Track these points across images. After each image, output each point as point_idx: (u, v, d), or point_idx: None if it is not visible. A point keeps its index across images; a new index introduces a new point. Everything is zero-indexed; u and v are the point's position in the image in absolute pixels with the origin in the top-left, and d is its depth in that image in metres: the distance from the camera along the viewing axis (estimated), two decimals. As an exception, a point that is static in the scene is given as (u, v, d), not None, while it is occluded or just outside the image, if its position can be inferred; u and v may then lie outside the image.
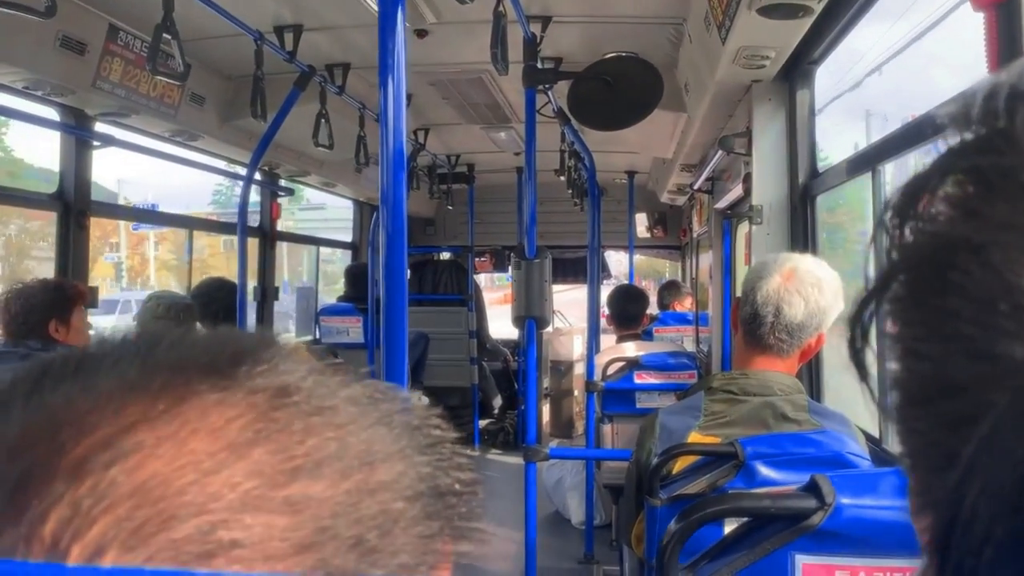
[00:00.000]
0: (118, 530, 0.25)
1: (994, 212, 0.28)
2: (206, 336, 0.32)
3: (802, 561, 1.20)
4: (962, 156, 0.30)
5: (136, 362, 0.30)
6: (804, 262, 1.66)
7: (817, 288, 1.61)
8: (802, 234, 2.73)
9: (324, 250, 6.28)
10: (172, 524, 0.25)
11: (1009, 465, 0.24)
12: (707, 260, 5.19)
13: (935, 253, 0.30)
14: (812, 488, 1.19)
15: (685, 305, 5.98)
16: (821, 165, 2.76)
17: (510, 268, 3.00)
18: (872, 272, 0.33)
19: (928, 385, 0.30)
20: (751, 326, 1.64)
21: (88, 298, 2.67)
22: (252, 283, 4.22)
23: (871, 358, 0.34)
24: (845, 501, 1.17)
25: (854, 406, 1.83)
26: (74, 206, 3.06)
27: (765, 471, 1.42)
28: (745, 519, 1.25)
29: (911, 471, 0.32)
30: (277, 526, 0.26)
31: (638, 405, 3.94)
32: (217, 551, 0.25)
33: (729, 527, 1.30)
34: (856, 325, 0.34)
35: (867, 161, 2.21)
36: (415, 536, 0.30)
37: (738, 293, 1.76)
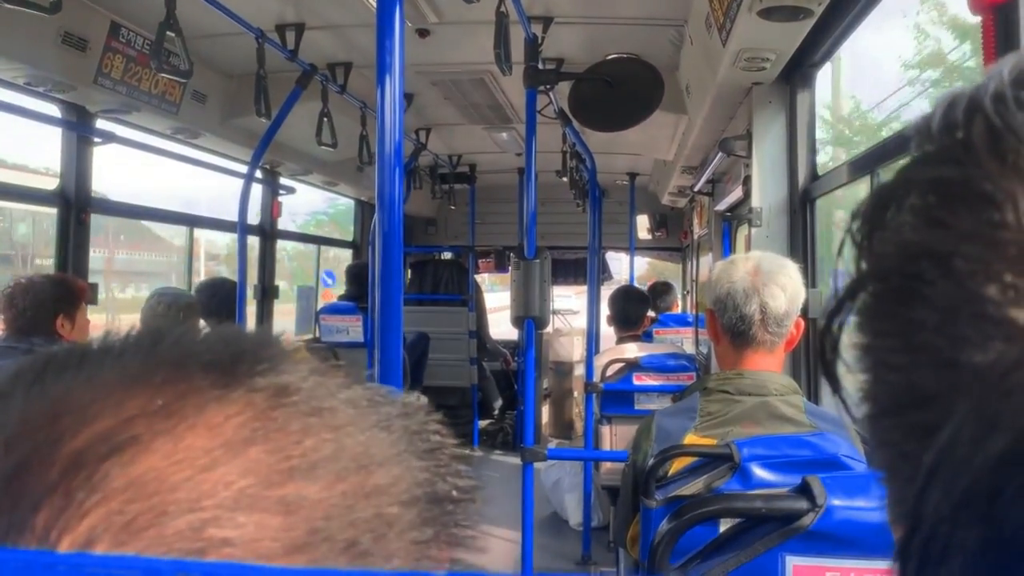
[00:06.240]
0: (109, 523, 0.25)
1: (957, 222, 0.28)
2: (209, 334, 0.32)
3: (792, 562, 1.20)
4: (924, 167, 0.31)
5: (139, 357, 0.30)
6: (761, 257, 1.70)
7: (787, 275, 1.65)
8: (801, 237, 2.73)
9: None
10: (163, 520, 0.25)
11: (968, 474, 0.24)
12: (708, 262, 5.19)
13: (901, 263, 0.30)
14: (803, 490, 1.19)
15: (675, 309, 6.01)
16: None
17: (510, 269, 3.00)
18: (841, 283, 0.33)
19: (897, 395, 0.30)
20: (739, 328, 1.64)
21: (89, 295, 2.67)
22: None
23: (843, 369, 0.34)
24: (836, 503, 1.17)
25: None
26: (74, 203, 3.07)
27: (760, 473, 1.42)
28: (738, 520, 1.25)
29: (886, 482, 0.32)
30: (270, 526, 0.26)
31: (637, 407, 3.94)
32: (208, 548, 0.25)
33: (724, 528, 1.30)
34: (826, 336, 0.34)
35: (867, 164, 2.21)
36: (410, 541, 0.30)
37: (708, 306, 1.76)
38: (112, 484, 0.25)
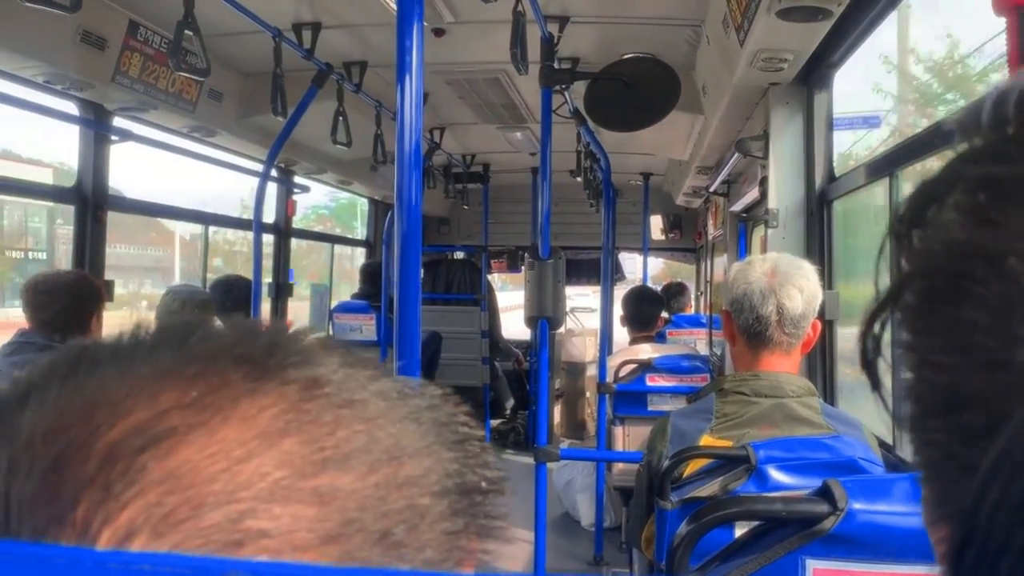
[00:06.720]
0: (148, 515, 0.25)
1: (1009, 221, 0.27)
2: (240, 327, 0.32)
3: (813, 566, 1.19)
4: (973, 163, 0.30)
5: (170, 350, 0.30)
6: (778, 258, 1.69)
7: (804, 276, 1.65)
8: (818, 239, 2.71)
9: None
10: (201, 511, 0.25)
11: None
12: (722, 263, 5.18)
13: (949, 262, 0.29)
14: (824, 493, 1.19)
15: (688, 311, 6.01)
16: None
17: (524, 269, 3.00)
18: (882, 282, 0.33)
19: (945, 396, 0.29)
20: (755, 329, 1.64)
21: (106, 292, 2.69)
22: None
23: (884, 368, 0.34)
24: (857, 506, 1.16)
25: (868, 410, 1.82)
26: (91, 200, 3.08)
27: (777, 475, 1.42)
28: (756, 523, 1.24)
29: (927, 482, 0.32)
30: (305, 517, 0.26)
31: (650, 408, 3.93)
32: (245, 540, 0.25)
33: (740, 531, 1.29)
34: (867, 336, 0.33)
35: (885, 166, 2.19)
36: (441, 532, 0.30)
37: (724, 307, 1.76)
38: (149, 476, 0.26)
